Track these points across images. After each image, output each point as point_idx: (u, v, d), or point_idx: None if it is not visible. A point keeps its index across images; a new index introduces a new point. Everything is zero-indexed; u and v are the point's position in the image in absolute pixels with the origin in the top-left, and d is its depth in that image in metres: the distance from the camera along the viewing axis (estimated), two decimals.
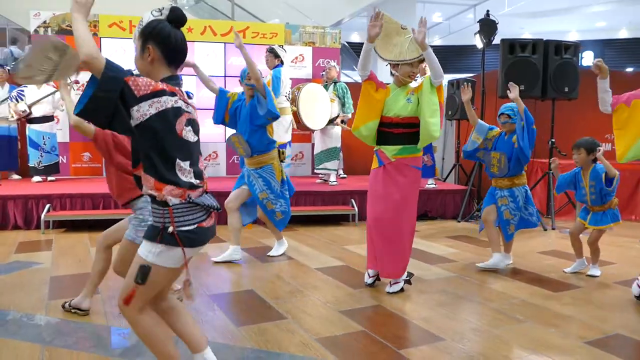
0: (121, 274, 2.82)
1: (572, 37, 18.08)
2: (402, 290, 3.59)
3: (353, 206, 6.26)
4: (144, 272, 1.92)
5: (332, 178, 7.13)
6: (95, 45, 1.76)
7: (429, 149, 6.61)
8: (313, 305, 3.35)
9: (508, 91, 4.21)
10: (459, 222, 6.53)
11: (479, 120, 4.29)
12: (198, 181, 1.97)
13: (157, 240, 1.91)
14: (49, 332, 2.84)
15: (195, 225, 1.95)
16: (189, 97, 2.04)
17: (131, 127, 1.84)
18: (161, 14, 1.98)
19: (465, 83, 4.38)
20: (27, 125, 7.10)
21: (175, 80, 2.03)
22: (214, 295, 3.52)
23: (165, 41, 1.96)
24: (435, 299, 3.50)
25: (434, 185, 6.94)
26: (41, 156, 7.07)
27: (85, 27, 1.78)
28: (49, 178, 7.22)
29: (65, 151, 7.85)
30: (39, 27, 7.80)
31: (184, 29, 2.07)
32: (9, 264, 4.26)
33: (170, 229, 1.90)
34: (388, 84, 3.72)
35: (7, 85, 7.34)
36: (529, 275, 4.12)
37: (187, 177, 1.94)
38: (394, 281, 3.61)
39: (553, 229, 6.07)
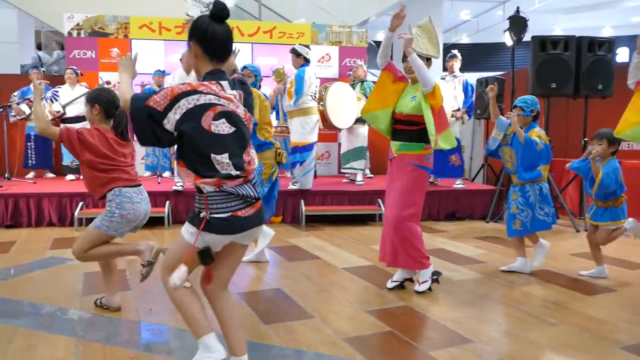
0: (75, 254, 3.03)
1: (606, 33, 17.64)
2: (430, 289, 3.57)
3: (380, 206, 6.23)
4: (204, 253, 2.05)
5: (359, 177, 7.11)
6: (124, 94, 2.09)
7: (457, 149, 6.53)
8: (340, 304, 3.35)
9: (486, 95, 4.14)
10: (487, 222, 6.44)
11: (500, 116, 4.21)
12: (238, 172, 2.02)
13: (194, 223, 2.03)
14: (82, 327, 2.91)
15: (230, 214, 2.01)
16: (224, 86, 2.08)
17: (174, 138, 2.01)
18: (208, 9, 2.07)
19: (493, 82, 4.29)
20: (62, 125, 7.29)
21: (217, 74, 2.09)
22: (241, 293, 3.56)
23: (204, 37, 2.05)
24: (464, 300, 3.46)
25: (462, 186, 6.86)
26: None
27: (126, 84, 2.20)
28: (82, 176, 7.38)
29: None
30: (72, 29, 8.00)
31: None
32: (44, 259, 4.38)
33: (203, 214, 2.00)
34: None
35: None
36: (561, 277, 4.04)
37: (226, 170, 2.00)
38: (422, 279, 3.58)
39: (586, 230, 5.93)
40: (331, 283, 3.82)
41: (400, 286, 3.67)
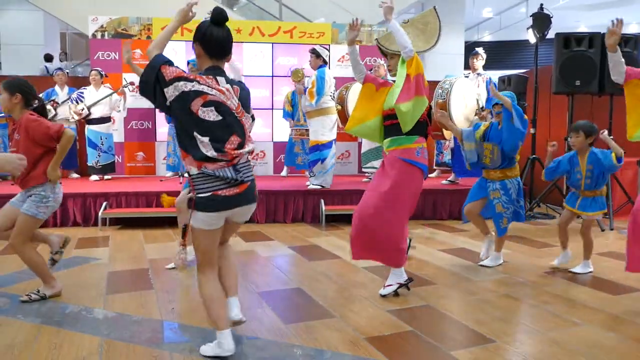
0: (17, 247, 3.27)
1: (632, 29, 17.28)
2: (396, 294, 3.44)
3: None
4: (184, 227, 2.44)
5: None
6: (157, 45, 2.37)
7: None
8: (361, 304, 3.34)
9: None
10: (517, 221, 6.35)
11: (460, 129, 4.30)
12: (217, 154, 2.30)
13: (191, 206, 2.34)
14: (106, 326, 2.95)
15: (210, 193, 2.31)
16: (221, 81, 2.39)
17: (166, 105, 2.30)
18: (209, 15, 2.41)
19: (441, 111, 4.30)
20: (86, 126, 7.42)
21: (216, 70, 2.42)
22: (262, 292, 3.57)
23: (204, 38, 2.41)
24: (486, 300, 3.42)
25: None
26: (99, 156, 7.37)
27: (168, 31, 2.45)
28: (106, 177, 7.51)
29: (120, 151, 8.16)
30: (96, 31, 8.14)
31: (232, 31, 2.44)
32: (69, 259, 4.46)
33: (191, 195, 2.33)
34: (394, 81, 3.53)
35: (66, 88, 7.69)
36: (586, 277, 3.97)
37: (206, 150, 2.28)
38: (387, 283, 3.47)
39: (611, 229, 5.82)
40: (351, 282, 3.81)
41: (395, 294, 3.49)
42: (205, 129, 2.30)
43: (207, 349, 2.52)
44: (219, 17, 2.40)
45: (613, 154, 3.86)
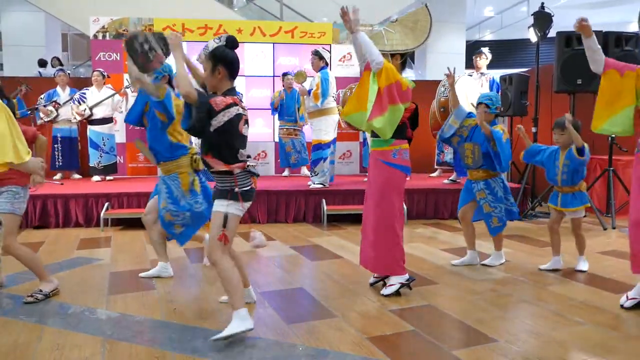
0: (11, 249, 3.28)
1: (634, 28, 17.24)
2: (398, 293, 3.45)
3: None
4: (225, 218, 2.71)
5: None
6: (190, 83, 2.65)
7: None
8: (363, 304, 3.34)
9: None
10: (511, 220, 6.34)
11: (460, 105, 4.20)
12: (247, 159, 2.76)
13: (228, 197, 2.71)
14: (109, 326, 2.96)
15: (250, 186, 2.77)
16: (239, 99, 2.77)
17: (209, 132, 2.63)
18: (220, 41, 2.70)
19: (449, 69, 4.18)
20: (88, 126, 7.43)
21: (234, 91, 2.77)
22: (264, 292, 3.57)
23: (229, 62, 2.72)
24: (488, 299, 3.42)
25: None
26: (100, 156, 7.38)
27: (182, 67, 2.70)
28: (108, 177, 7.52)
29: (122, 151, 8.16)
30: (97, 32, 8.15)
31: (233, 31, 2.67)
32: (71, 259, 4.47)
33: (235, 189, 2.71)
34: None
35: (67, 89, 7.70)
36: (588, 276, 3.96)
37: (242, 158, 2.73)
38: (389, 283, 3.49)
39: (613, 228, 5.81)
40: (353, 282, 3.81)
41: (382, 281, 3.61)
42: (244, 143, 2.76)
43: (234, 327, 2.65)
44: (234, 42, 2.75)
45: (573, 147, 3.85)
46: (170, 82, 3.78)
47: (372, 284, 3.68)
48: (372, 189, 3.51)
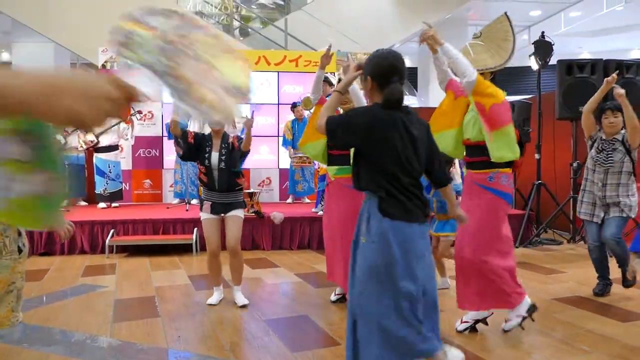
0: None
1: (635, 55, 17.40)
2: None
3: None
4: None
5: None
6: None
7: None
8: None
9: None
10: (517, 247, 6.33)
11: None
12: None
13: (247, 209, 2.92)
14: (112, 354, 2.95)
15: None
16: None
17: None
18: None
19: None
20: (94, 154, 7.51)
21: None
22: (268, 320, 3.56)
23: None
24: (493, 327, 3.39)
25: None
26: (107, 183, 7.44)
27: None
28: (113, 204, 7.56)
29: (128, 178, 8.23)
30: (106, 61, 8.30)
31: None
32: (76, 287, 4.47)
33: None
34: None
35: None
36: (595, 303, 3.93)
37: None
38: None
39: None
40: None
41: (343, 298, 3.78)
42: None
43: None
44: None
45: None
46: None
47: (333, 302, 3.94)
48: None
